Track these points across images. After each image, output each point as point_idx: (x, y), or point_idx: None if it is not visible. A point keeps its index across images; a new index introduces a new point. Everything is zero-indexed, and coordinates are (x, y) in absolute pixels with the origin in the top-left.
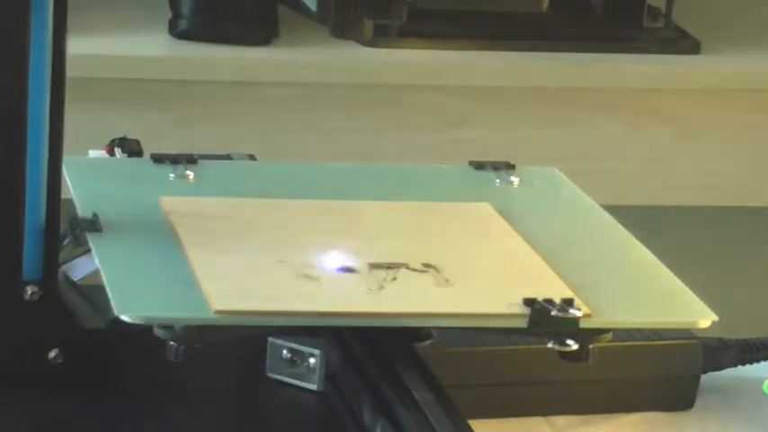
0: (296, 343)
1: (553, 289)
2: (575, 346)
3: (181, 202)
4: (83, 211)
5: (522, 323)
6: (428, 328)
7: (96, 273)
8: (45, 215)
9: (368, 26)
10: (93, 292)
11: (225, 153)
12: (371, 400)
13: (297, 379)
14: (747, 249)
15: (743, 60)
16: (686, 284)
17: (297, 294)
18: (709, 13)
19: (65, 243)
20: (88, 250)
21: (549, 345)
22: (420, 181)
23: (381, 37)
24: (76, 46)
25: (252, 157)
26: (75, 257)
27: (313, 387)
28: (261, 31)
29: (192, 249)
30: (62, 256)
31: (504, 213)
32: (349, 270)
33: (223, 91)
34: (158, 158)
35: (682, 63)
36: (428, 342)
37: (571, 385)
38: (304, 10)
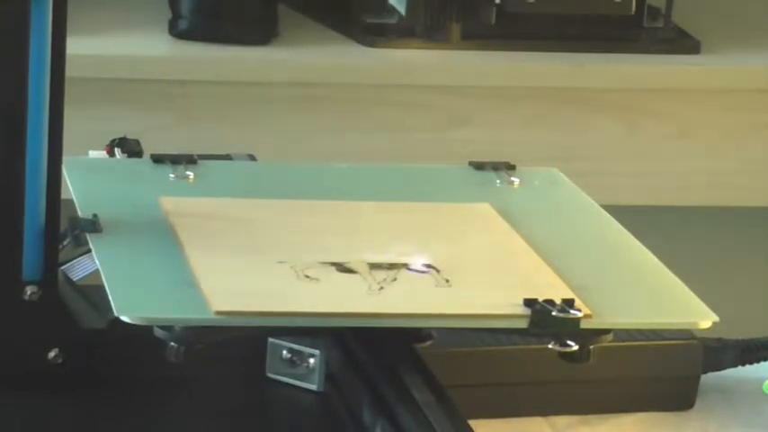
0: (296, 343)
1: (553, 289)
2: (575, 347)
3: (181, 202)
4: (83, 211)
5: (523, 324)
6: (428, 328)
7: (96, 273)
8: (45, 215)
9: (455, 29)
10: (93, 292)
11: (225, 153)
12: (371, 400)
13: (297, 379)
14: (747, 249)
15: (743, 60)
16: (686, 284)
17: (297, 295)
18: (710, 13)
19: (65, 243)
20: (88, 250)
21: (550, 345)
22: (420, 181)
23: (381, 37)
24: (76, 46)
25: (252, 157)
26: (75, 257)
27: (313, 387)
28: (261, 31)
29: (192, 249)
30: (62, 256)
31: (505, 214)
32: (349, 271)
33: (223, 91)
34: (158, 158)
35: (682, 63)
36: (428, 343)
37: (571, 385)
38: (388, 10)
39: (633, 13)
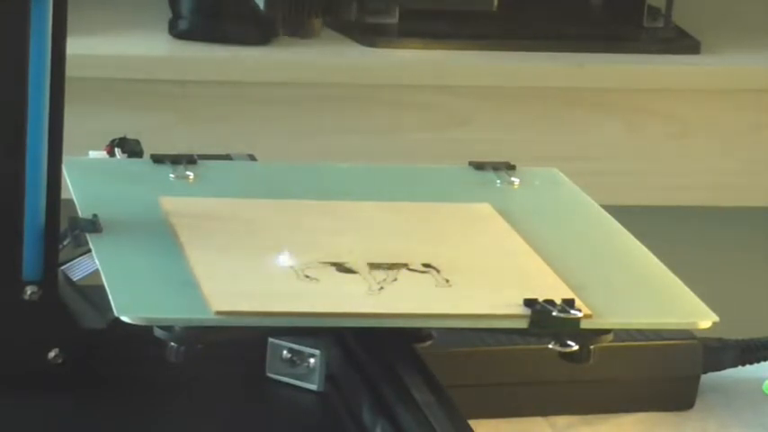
0: (296, 343)
1: (554, 289)
2: (575, 347)
3: (181, 203)
4: (83, 211)
5: (523, 324)
6: (428, 328)
7: (96, 273)
8: (45, 215)
9: (316, 24)
10: (93, 292)
11: (225, 153)
12: (371, 400)
13: (297, 379)
14: (747, 249)
15: (743, 60)
16: (686, 284)
17: (297, 295)
18: (709, 13)
19: (65, 243)
20: (88, 250)
21: (550, 345)
22: (420, 181)
23: (381, 37)
24: (77, 46)
25: (252, 157)
26: (75, 257)
27: (313, 387)
28: (261, 31)
29: (192, 249)
30: (62, 256)
31: (505, 214)
32: (349, 271)
33: (223, 91)
34: (158, 158)
35: (682, 63)
36: (428, 343)
37: (571, 385)
38: (254, 6)
39: (495, 8)
